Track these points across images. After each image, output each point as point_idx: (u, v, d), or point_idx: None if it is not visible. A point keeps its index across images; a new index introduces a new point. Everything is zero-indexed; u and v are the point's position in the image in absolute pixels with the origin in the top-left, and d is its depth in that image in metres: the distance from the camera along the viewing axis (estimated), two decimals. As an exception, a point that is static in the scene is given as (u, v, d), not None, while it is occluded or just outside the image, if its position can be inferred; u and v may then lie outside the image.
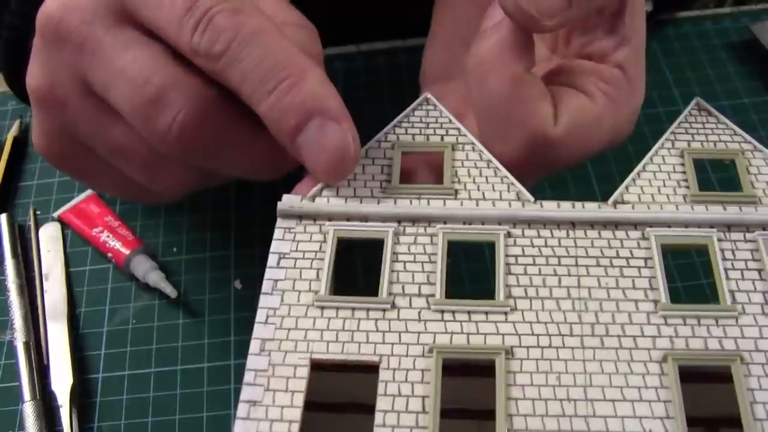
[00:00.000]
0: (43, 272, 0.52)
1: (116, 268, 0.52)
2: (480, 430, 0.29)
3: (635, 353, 0.30)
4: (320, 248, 0.34)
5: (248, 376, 0.30)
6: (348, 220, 0.35)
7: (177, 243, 0.53)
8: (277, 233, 0.35)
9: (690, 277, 0.46)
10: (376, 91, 0.59)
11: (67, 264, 0.53)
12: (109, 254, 0.52)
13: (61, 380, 0.46)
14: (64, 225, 0.55)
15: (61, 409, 0.45)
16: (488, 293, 0.32)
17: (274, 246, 0.34)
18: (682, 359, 0.29)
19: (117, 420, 0.45)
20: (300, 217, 0.35)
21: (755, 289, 0.31)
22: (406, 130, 0.38)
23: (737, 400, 0.28)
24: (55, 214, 0.55)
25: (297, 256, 0.34)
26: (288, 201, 0.35)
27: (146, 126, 0.37)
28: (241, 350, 0.47)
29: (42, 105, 0.42)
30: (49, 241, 0.53)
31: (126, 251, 0.51)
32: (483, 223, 0.34)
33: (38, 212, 0.56)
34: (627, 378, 0.29)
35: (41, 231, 0.54)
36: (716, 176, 0.46)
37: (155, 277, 0.50)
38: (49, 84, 0.40)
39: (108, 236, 0.52)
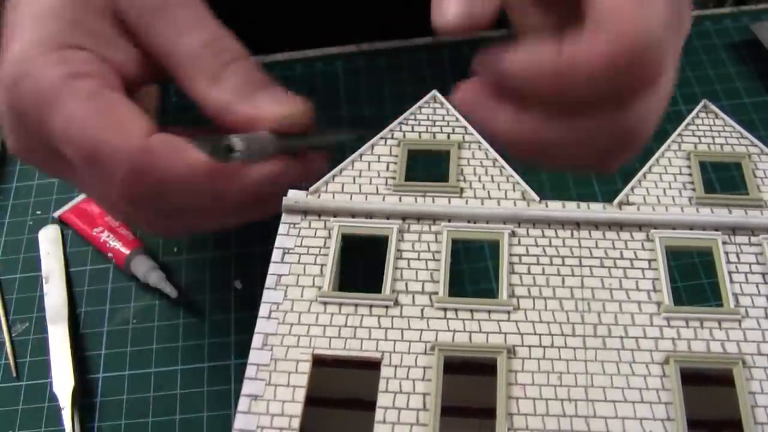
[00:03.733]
0: (43, 274, 0.52)
1: (116, 268, 0.52)
2: (480, 428, 0.29)
3: (637, 354, 0.30)
4: (324, 244, 0.34)
5: (250, 371, 0.30)
6: (353, 216, 0.35)
7: (177, 243, 0.53)
8: (282, 228, 0.35)
9: (691, 277, 0.45)
10: (377, 91, 0.59)
11: (68, 264, 0.53)
12: (110, 254, 0.52)
13: (63, 382, 0.46)
14: (65, 225, 0.55)
15: (63, 411, 0.45)
16: (488, 293, 0.32)
17: (279, 241, 0.34)
18: (683, 361, 0.29)
19: (117, 420, 0.45)
20: (305, 212, 0.35)
21: (759, 292, 0.31)
22: (413, 128, 0.38)
23: (738, 403, 0.28)
24: (56, 214, 0.55)
25: (301, 251, 0.34)
26: (293, 196, 0.35)
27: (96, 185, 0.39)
28: (241, 350, 0.47)
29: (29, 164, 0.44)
30: (48, 243, 0.53)
31: (126, 251, 0.51)
32: (488, 222, 0.34)
33: (38, 212, 0.56)
34: (628, 379, 0.29)
35: (41, 233, 0.54)
36: (717, 176, 0.46)
37: (155, 277, 0.50)
38: (24, 156, 0.43)
39: (108, 236, 0.52)
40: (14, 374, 0.47)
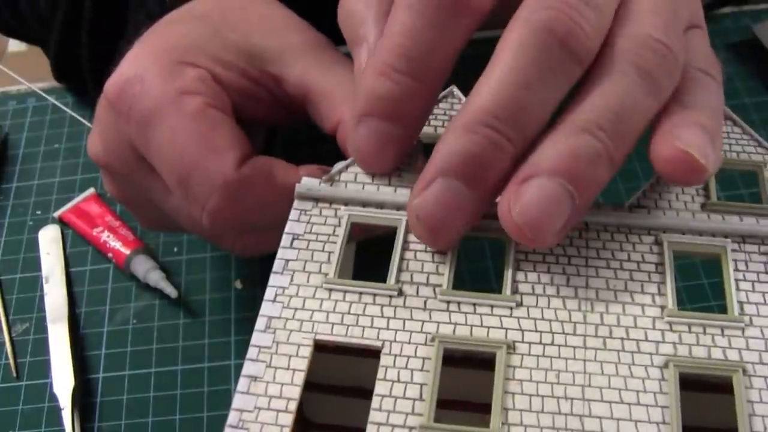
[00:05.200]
0: (44, 275, 0.52)
1: (117, 268, 0.52)
2: (475, 422, 0.29)
3: (637, 357, 0.30)
4: (334, 231, 0.34)
5: (251, 352, 0.30)
6: (364, 206, 0.35)
7: (177, 243, 0.53)
8: (293, 214, 0.35)
9: (691, 277, 0.45)
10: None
11: (68, 264, 0.53)
12: (110, 254, 0.52)
13: (63, 382, 0.47)
14: (65, 225, 0.55)
15: (63, 411, 0.46)
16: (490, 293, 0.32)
17: (289, 227, 0.34)
18: (683, 366, 0.29)
19: (118, 420, 0.46)
20: (317, 200, 0.35)
21: (765, 301, 0.31)
22: (429, 122, 0.38)
23: (736, 411, 0.28)
24: (56, 214, 0.55)
25: (310, 237, 0.34)
26: (306, 183, 0.36)
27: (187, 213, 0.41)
28: (242, 350, 0.47)
29: (103, 171, 0.45)
30: (48, 243, 0.54)
31: (126, 251, 0.51)
32: (497, 218, 0.34)
33: (38, 212, 0.56)
34: (626, 381, 0.29)
35: (41, 233, 0.55)
36: (749, 192, 0.46)
37: (156, 277, 0.50)
38: (106, 160, 0.43)
39: (108, 236, 0.53)
40: (14, 374, 0.48)
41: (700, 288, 0.46)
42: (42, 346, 0.49)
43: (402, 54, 0.33)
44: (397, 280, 0.32)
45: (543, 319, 0.31)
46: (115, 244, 0.52)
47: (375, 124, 0.34)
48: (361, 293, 0.32)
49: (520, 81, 0.31)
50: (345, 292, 0.32)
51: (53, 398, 0.46)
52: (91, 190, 0.56)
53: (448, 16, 0.33)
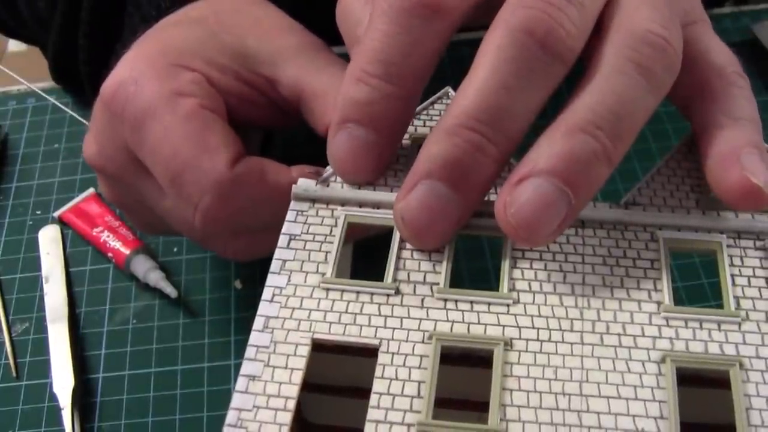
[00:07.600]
0: (43, 274, 0.52)
1: (116, 268, 0.52)
2: (473, 420, 0.29)
3: (634, 352, 0.30)
4: (330, 232, 0.34)
5: (249, 352, 0.31)
6: (360, 206, 0.35)
7: (177, 243, 0.53)
8: (290, 215, 0.35)
9: (691, 277, 0.45)
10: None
11: (67, 264, 0.53)
12: (110, 254, 0.52)
13: (63, 382, 0.47)
14: (65, 225, 0.55)
15: (63, 411, 0.46)
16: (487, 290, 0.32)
17: (286, 227, 0.35)
18: (680, 361, 0.29)
19: (117, 420, 0.46)
20: (313, 200, 0.35)
21: (761, 296, 0.31)
22: (425, 123, 0.38)
23: (733, 405, 0.28)
24: (56, 214, 0.55)
25: (307, 238, 0.34)
26: (303, 185, 0.36)
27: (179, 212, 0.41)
28: (241, 350, 0.47)
29: (98, 173, 0.45)
30: (48, 243, 0.54)
31: (126, 251, 0.52)
32: (493, 217, 0.34)
33: (38, 212, 0.56)
34: (624, 376, 0.29)
35: (41, 233, 0.55)
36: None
37: (155, 277, 0.50)
38: (101, 163, 0.43)
39: (108, 236, 0.53)
40: (14, 374, 0.48)
41: (700, 288, 0.46)
42: (42, 346, 0.49)
43: (378, 59, 0.33)
44: (394, 279, 0.33)
45: (540, 315, 0.31)
46: (114, 243, 0.52)
47: (353, 131, 0.34)
48: (358, 292, 0.32)
49: (500, 83, 0.31)
50: (342, 291, 0.32)
51: (53, 398, 0.46)
52: (90, 190, 0.56)
53: (421, 21, 0.33)
